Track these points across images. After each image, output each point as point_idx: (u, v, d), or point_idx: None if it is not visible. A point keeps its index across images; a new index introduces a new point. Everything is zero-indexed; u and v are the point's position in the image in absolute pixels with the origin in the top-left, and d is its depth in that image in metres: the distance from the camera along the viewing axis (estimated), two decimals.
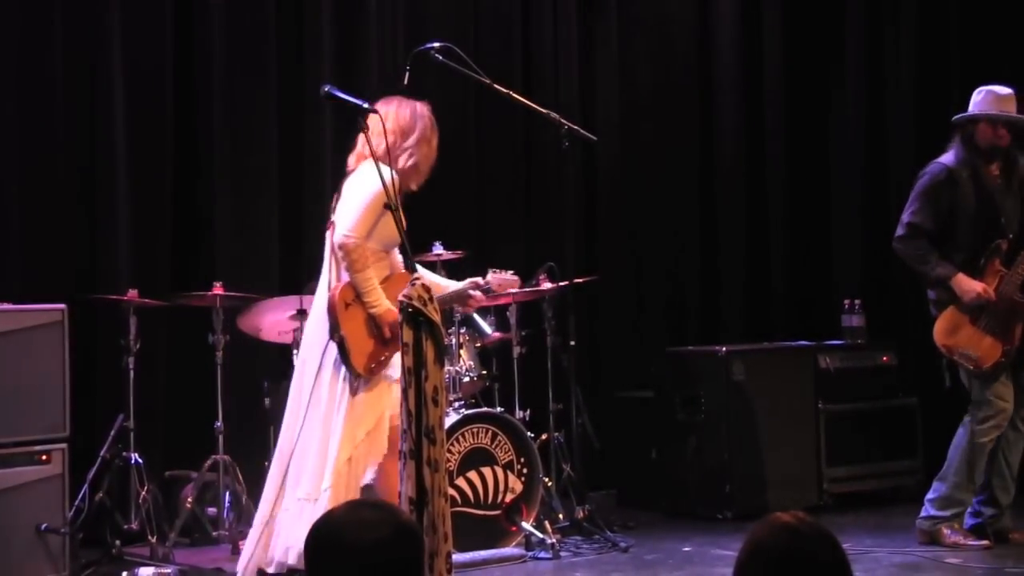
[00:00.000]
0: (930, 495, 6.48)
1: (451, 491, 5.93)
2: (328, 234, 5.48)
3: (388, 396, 5.36)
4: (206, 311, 6.62)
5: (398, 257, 5.64)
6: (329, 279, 5.43)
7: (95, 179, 7.19)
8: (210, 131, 7.47)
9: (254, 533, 5.43)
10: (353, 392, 5.33)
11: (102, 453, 6.47)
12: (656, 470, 7.80)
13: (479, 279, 5.78)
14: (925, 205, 6.37)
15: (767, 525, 2.63)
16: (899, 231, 6.44)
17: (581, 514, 6.78)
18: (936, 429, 8.12)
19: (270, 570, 5.34)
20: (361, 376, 5.34)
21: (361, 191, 5.38)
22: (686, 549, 6.66)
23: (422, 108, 5.61)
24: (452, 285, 5.81)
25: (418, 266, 5.68)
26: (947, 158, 6.44)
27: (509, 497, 6.54)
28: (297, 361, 5.58)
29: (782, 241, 9.02)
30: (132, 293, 6.55)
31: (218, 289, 6.53)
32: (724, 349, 7.58)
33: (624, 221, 8.62)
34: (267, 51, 7.60)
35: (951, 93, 8.56)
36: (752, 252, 8.98)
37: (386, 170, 4.89)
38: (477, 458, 6.51)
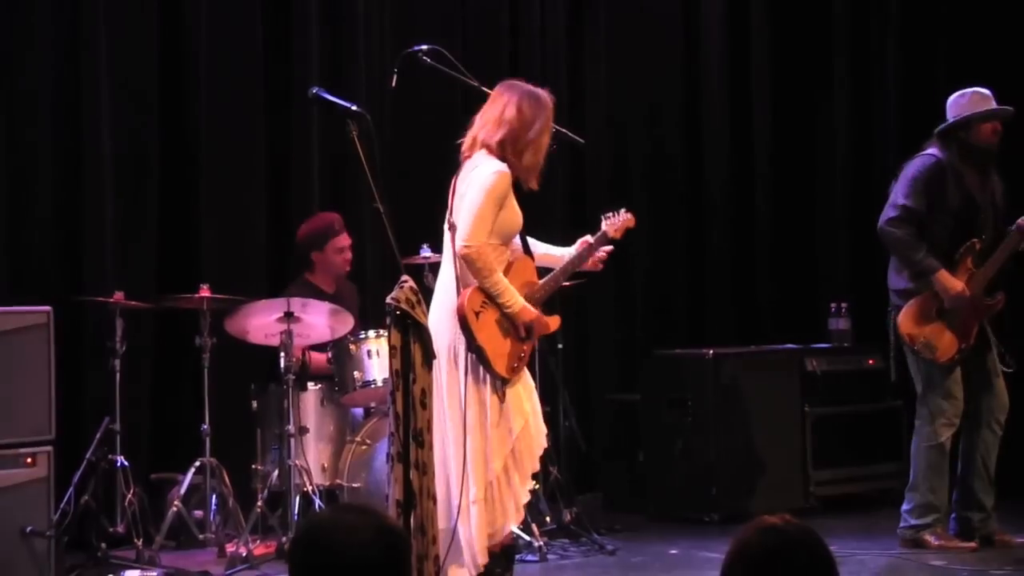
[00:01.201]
0: (905, 506, 6.49)
1: (438, 494, 5.92)
2: (447, 231, 5.35)
3: (533, 398, 5.33)
4: (193, 313, 6.60)
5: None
6: (455, 283, 5.27)
7: (81, 180, 7.18)
8: (197, 132, 7.47)
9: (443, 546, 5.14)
10: (501, 396, 5.21)
11: (88, 456, 6.45)
12: (643, 473, 7.81)
13: (588, 237, 5.66)
14: (919, 191, 6.37)
15: (753, 527, 2.63)
16: (892, 213, 6.40)
17: (568, 517, 6.79)
18: None
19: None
20: (507, 379, 5.24)
21: (478, 194, 5.26)
22: (672, 552, 6.67)
23: (546, 98, 5.47)
24: (567, 252, 5.69)
25: (533, 240, 5.66)
26: (934, 151, 6.46)
27: None
28: (444, 358, 5.28)
29: (769, 244, 9.04)
30: (118, 295, 6.53)
31: (205, 291, 6.51)
32: (711, 352, 7.59)
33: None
34: (254, 52, 7.60)
35: (936, 98, 8.58)
36: (739, 255, 8.99)
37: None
38: None
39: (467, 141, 5.41)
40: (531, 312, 5.29)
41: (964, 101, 6.46)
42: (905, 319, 6.43)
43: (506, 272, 5.34)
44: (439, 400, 5.18)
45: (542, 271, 5.64)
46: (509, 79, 5.56)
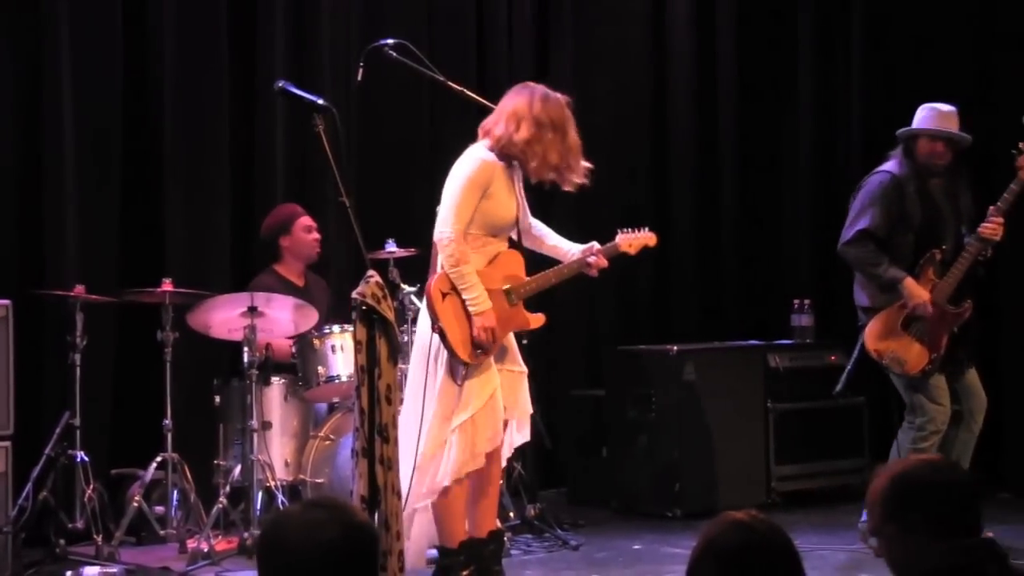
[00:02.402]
0: None
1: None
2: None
3: (496, 379, 5.32)
4: (155, 308, 6.56)
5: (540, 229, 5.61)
6: (433, 266, 5.35)
7: (42, 172, 7.12)
8: (160, 125, 7.42)
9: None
10: (462, 379, 5.25)
11: (47, 451, 6.40)
12: (607, 468, 7.81)
13: (594, 243, 5.66)
14: (877, 212, 6.40)
15: (720, 523, 2.64)
16: (848, 236, 6.46)
17: (532, 512, 6.79)
18: (882, 428, 8.19)
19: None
20: (468, 364, 5.26)
21: (454, 180, 5.31)
22: (636, 547, 6.68)
23: (565, 100, 5.47)
24: (574, 248, 5.67)
25: (546, 229, 5.68)
26: (892, 167, 6.50)
27: None
28: (413, 349, 5.48)
29: (733, 241, 9.06)
30: (79, 289, 6.49)
31: (167, 286, 6.47)
32: (675, 348, 7.61)
33: (576, 220, 8.62)
34: (219, 46, 7.55)
35: (897, 96, 8.63)
36: (703, 252, 9.01)
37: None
38: None
39: (480, 131, 5.45)
40: (490, 319, 5.28)
41: (921, 115, 6.51)
42: (870, 335, 6.45)
43: (489, 264, 5.34)
44: (416, 385, 5.26)
45: (547, 262, 5.62)
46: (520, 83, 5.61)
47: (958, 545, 2.53)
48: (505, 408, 5.38)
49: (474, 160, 5.30)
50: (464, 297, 5.25)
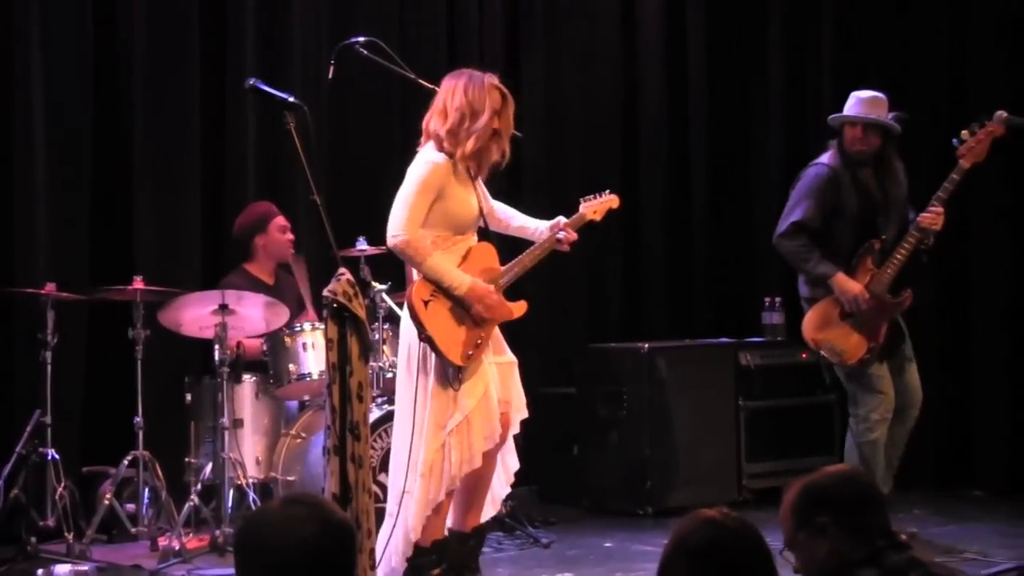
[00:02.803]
0: None
1: (374, 487, 5.91)
2: None
3: (487, 375, 5.30)
4: (126, 305, 6.54)
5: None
6: (409, 277, 5.32)
7: (12, 170, 7.09)
8: (131, 124, 7.40)
9: (383, 535, 5.27)
10: (456, 385, 5.22)
11: (18, 449, 6.38)
12: (577, 466, 7.83)
13: (560, 218, 5.63)
14: (811, 204, 6.45)
15: (691, 520, 2.67)
16: (782, 228, 6.52)
17: (503, 510, 6.79)
18: None
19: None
20: (462, 367, 5.23)
21: (406, 185, 5.29)
22: (607, 545, 6.70)
23: (490, 81, 5.41)
24: (541, 226, 5.64)
25: (510, 210, 5.66)
26: (827, 159, 6.55)
27: None
28: (400, 352, 5.43)
29: (704, 239, 9.08)
30: (50, 287, 6.46)
31: (138, 283, 6.45)
32: (646, 346, 7.63)
33: (547, 217, 8.62)
34: (189, 44, 7.53)
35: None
36: (674, 250, 9.03)
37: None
38: None
39: (423, 132, 5.43)
40: (480, 287, 5.28)
41: (848, 104, 6.55)
42: (807, 325, 6.50)
43: (463, 261, 5.33)
44: (407, 390, 5.26)
45: (520, 244, 5.62)
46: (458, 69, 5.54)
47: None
48: (501, 400, 5.36)
49: (424, 164, 5.29)
50: (444, 286, 5.24)
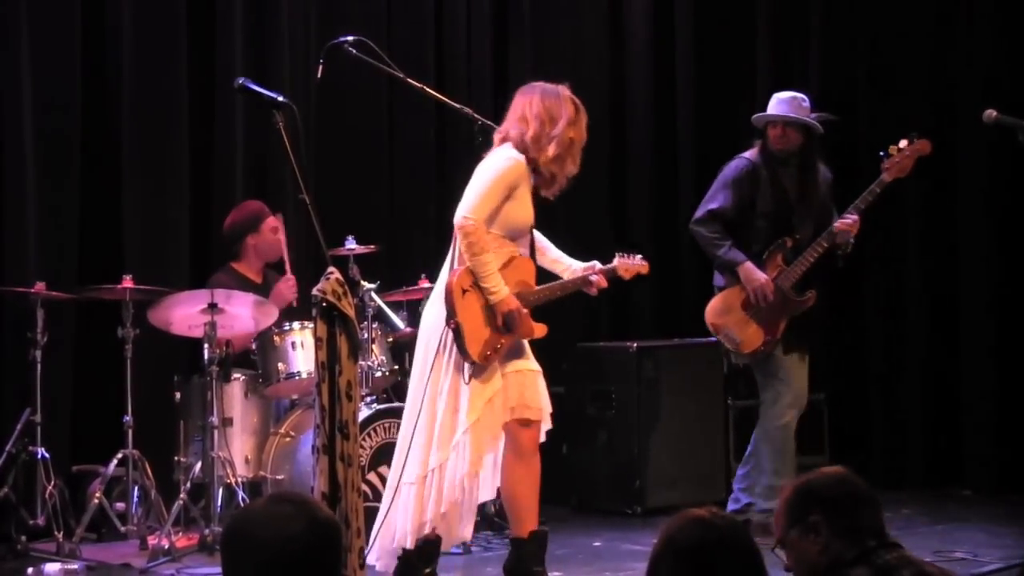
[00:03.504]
0: (757, 490, 6.68)
1: (363, 486, 5.92)
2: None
3: (497, 383, 5.31)
4: (115, 304, 6.54)
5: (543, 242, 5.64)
6: (451, 262, 5.33)
7: (2, 169, 7.08)
8: (119, 122, 7.39)
9: (377, 522, 5.32)
10: (467, 379, 5.24)
11: (8, 448, 6.39)
12: (566, 465, 7.82)
13: (595, 263, 5.69)
14: (728, 194, 6.63)
15: (680, 519, 2.68)
16: (698, 214, 6.72)
17: (492, 509, 6.79)
18: (843, 425, 8.26)
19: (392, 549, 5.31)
20: (476, 364, 5.25)
21: (486, 173, 5.30)
22: (596, 544, 6.71)
23: (565, 92, 5.50)
24: (575, 264, 5.70)
25: (547, 242, 5.70)
26: (751, 153, 6.72)
27: None
28: (418, 345, 5.45)
29: (692, 238, 9.06)
30: (39, 286, 6.46)
31: (127, 282, 6.46)
32: (635, 345, 7.64)
33: (536, 216, 8.63)
34: (178, 42, 7.53)
35: (856, 93, 8.69)
36: (663, 249, 9.01)
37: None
38: (388, 453, 6.47)
39: (496, 138, 5.45)
40: (512, 303, 5.30)
41: (769, 104, 6.68)
42: (710, 310, 6.70)
43: (504, 267, 5.34)
44: (419, 379, 5.29)
45: (545, 277, 5.66)
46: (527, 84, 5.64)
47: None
48: (512, 408, 5.35)
49: (506, 158, 5.31)
50: (483, 285, 5.25)
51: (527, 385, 5.41)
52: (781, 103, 6.65)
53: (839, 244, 6.56)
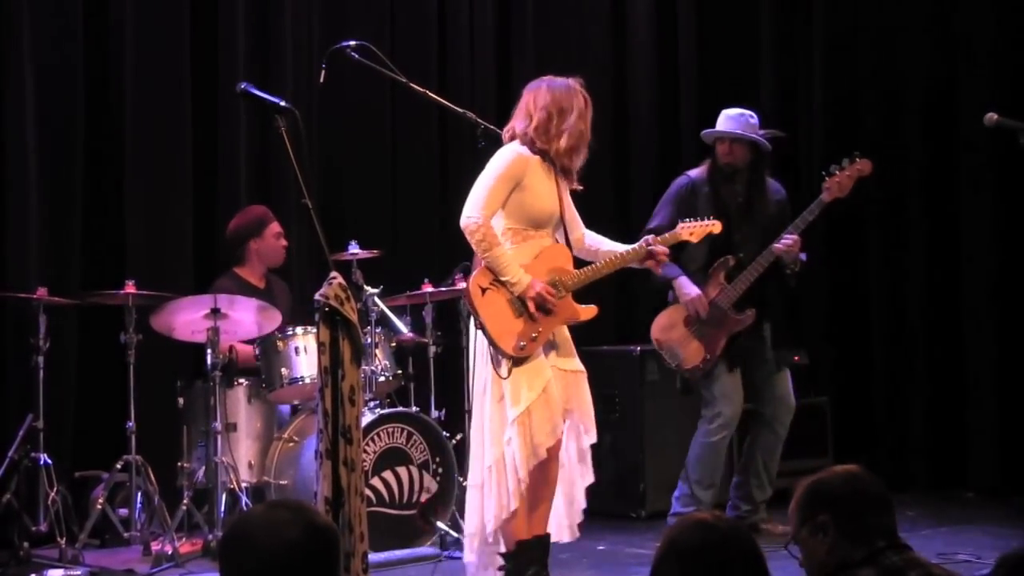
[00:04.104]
0: (676, 493, 6.78)
1: (366, 491, 5.91)
2: None
3: (547, 373, 5.27)
4: (118, 310, 6.54)
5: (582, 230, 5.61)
6: (475, 265, 5.33)
7: (4, 175, 7.08)
8: (122, 127, 7.39)
9: (472, 506, 5.32)
10: (505, 374, 5.19)
11: (10, 454, 6.38)
12: None
13: (648, 238, 5.65)
14: (666, 212, 6.64)
15: (683, 522, 2.68)
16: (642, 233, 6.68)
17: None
18: (846, 428, 8.25)
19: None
20: (513, 356, 5.20)
21: (486, 171, 5.31)
22: (600, 548, 6.70)
23: (575, 83, 5.49)
24: (623, 248, 5.64)
25: (599, 237, 5.66)
26: (695, 171, 6.78)
27: (424, 497, 6.54)
28: (474, 355, 5.40)
29: None
30: (42, 291, 6.46)
31: (130, 288, 6.45)
32: (638, 349, 7.63)
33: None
34: (181, 47, 7.53)
35: (859, 95, 8.68)
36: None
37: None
38: (392, 458, 6.50)
39: (505, 136, 5.46)
40: (536, 286, 5.24)
41: (718, 120, 6.74)
42: (655, 326, 6.74)
43: (535, 259, 5.31)
44: (476, 382, 5.31)
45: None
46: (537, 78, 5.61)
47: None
48: (565, 408, 5.33)
49: (506, 152, 5.33)
50: (503, 279, 5.22)
51: (571, 386, 5.38)
52: (730, 119, 6.70)
53: (786, 264, 6.56)
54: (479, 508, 5.24)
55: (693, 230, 5.73)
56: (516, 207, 5.30)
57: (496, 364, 5.22)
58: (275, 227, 7.08)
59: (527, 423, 5.18)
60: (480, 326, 5.21)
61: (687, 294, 6.61)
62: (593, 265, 5.53)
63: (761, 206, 6.69)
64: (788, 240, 6.51)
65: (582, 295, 5.56)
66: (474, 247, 5.25)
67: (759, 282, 6.60)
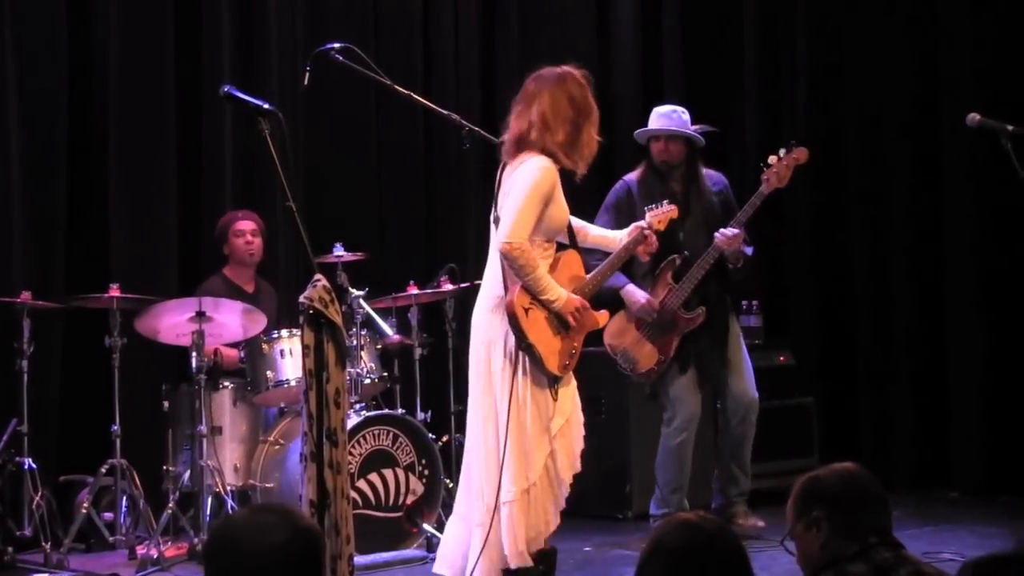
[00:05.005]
0: (652, 498, 6.79)
1: (352, 493, 5.90)
2: (492, 226, 5.29)
3: (574, 384, 5.31)
4: (102, 313, 6.53)
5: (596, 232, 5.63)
6: (502, 279, 5.20)
7: None
8: (106, 130, 7.38)
9: (475, 547, 5.15)
10: (554, 395, 5.18)
11: None
12: None
13: (641, 223, 5.62)
14: (606, 219, 6.57)
15: (668, 523, 2.69)
16: None
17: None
18: (832, 428, 8.27)
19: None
20: (559, 377, 5.20)
21: (521, 190, 5.14)
22: (587, 549, 6.70)
23: (583, 75, 5.41)
24: (620, 234, 5.64)
25: (582, 222, 5.64)
26: (631, 174, 6.76)
27: (410, 499, 6.53)
28: (474, 358, 5.30)
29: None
30: (25, 295, 6.45)
31: (114, 291, 6.45)
32: None
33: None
34: (165, 49, 7.53)
35: (844, 99, 8.70)
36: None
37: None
38: (378, 460, 6.50)
39: (509, 139, 5.31)
40: (575, 299, 5.25)
41: (650, 118, 6.73)
42: (608, 331, 6.62)
43: (552, 268, 5.27)
44: (478, 395, 5.19)
45: (597, 256, 5.65)
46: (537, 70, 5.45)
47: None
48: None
49: (539, 169, 5.16)
50: (543, 299, 5.15)
51: (576, 397, 5.39)
52: (661, 117, 6.69)
53: (728, 259, 6.52)
54: (516, 524, 5.11)
55: (660, 217, 5.70)
56: (544, 222, 5.22)
57: (539, 384, 5.15)
58: (239, 225, 7.07)
59: (568, 434, 5.23)
60: (527, 347, 5.11)
61: (636, 302, 6.56)
62: (600, 268, 5.55)
63: (701, 201, 6.64)
64: (729, 233, 6.42)
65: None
66: (516, 271, 5.12)
67: (707, 279, 6.55)
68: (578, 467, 5.30)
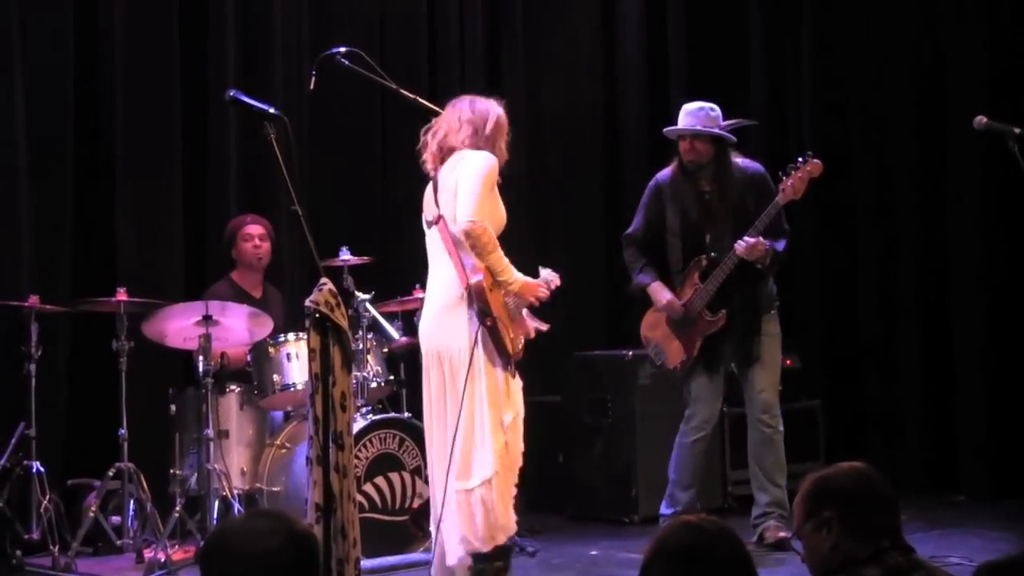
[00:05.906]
0: (665, 496, 6.81)
1: (358, 497, 5.91)
2: (437, 228, 5.43)
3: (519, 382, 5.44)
4: (109, 317, 6.55)
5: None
6: (456, 272, 5.35)
7: None
8: (112, 134, 7.40)
9: (449, 536, 5.33)
10: (512, 374, 5.36)
11: (2, 462, 6.38)
12: (563, 474, 7.83)
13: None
14: (639, 218, 6.74)
15: (671, 524, 2.69)
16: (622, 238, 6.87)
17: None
18: (838, 432, 8.26)
19: (451, 563, 5.32)
20: (512, 359, 5.34)
21: (473, 176, 5.33)
22: (593, 553, 6.70)
23: (497, 106, 5.59)
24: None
25: None
26: (663, 172, 6.78)
27: (416, 502, 6.53)
28: (428, 358, 5.46)
29: None
30: (33, 299, 6.46)
31: (122, 295, 6.46)
32: (630, 353, 7.62)
33: (530, 227, 8.65)
34: (170, 53, 7.53)
35: (849, 97, 8.70)
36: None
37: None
38: (384, 464, 6.50)
39: (432, 152, 5.51)
40: (532, 282, 5.45)
41: (680, 115, 6.69)
42: (644, 323, 6.80)
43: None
44: (447, 387, 5.30)
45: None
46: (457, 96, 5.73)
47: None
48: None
49: (487, 158, 5.39)
50: (502, 279, 5.34)
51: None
52: (689, 115, 6.62)
53: (753, 262, 6.49)
54: (477, 512, 5.27)
55: (549, 280, 5.67)
56: (490, 214, 5.38)
57: (494, 378, 5.29)
58: (248, 229, 7.07)
59: (516, 430, 5.40)
60: (492, 322, 5.25)
61: (659, 300, 6.65)
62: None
63: (730, 200, 6.58)
64: (747, 243, 6.41)
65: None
66: (479, 248, 5.30)
67: (731, 283, 6.54)
68: (520, 462, 5.44)
